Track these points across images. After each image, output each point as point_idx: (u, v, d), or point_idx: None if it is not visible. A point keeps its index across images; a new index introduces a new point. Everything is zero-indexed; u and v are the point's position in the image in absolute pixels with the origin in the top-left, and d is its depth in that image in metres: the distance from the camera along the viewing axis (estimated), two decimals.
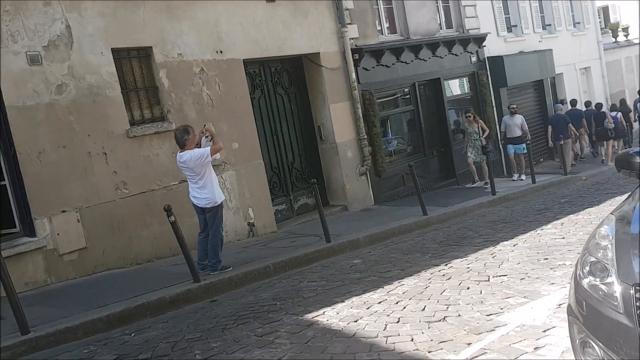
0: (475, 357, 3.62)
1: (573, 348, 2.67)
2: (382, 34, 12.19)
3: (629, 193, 3.22)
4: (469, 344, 3.86)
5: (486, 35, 14.53)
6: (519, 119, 13.35)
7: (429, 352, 3.83)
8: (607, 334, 2.31)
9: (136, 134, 7.60)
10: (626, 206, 2.95)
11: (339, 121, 10.58)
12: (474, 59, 14.38)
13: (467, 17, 14.35)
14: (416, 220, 9.26)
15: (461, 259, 6.49)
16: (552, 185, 12.61)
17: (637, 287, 2.29)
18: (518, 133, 13.22)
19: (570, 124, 14.82)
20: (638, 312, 2.25)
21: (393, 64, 11.84)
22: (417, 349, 3.90)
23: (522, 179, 13.19)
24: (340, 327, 4.59)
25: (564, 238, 6.91)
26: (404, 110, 12.39)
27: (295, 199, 10.40)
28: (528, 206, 10.23)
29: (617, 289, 2.38)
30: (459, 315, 4.51)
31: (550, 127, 15.04)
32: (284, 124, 10.31)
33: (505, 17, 16.05)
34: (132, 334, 5.11)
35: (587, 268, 2.61)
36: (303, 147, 10.63)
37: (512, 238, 7.33)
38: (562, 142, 13.88)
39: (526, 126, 13.45)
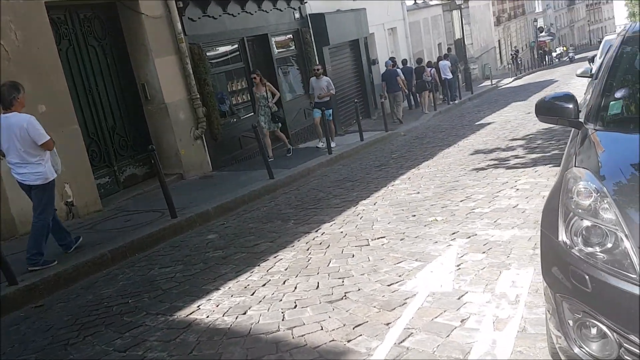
0: (403, 340, 3.22)
1: (563, 331, 2.30)
2: None
3: (578, 142, 2.97)
4: (388, 324, 3.45)
5: None
6: (324, 81, 12.21)
7: (348, 341, 3.33)
8: (625, 311, 2.02)
9: None
10: (586, 157, 2.66)
11: (167, 78, 9.34)
12: (297, 15, 14.01)
13: None
14: (264, 185, 8.69)
15: (329, 223, 6.12)
16: (377, 141, 13.05)
17: None
18: (326, 98, 12.17)
19: (400, 77, 16.53)
20: None
21: (220, 15, 10.83)
22: (333, 340, 3.37)
23: (332, 146, 11.44)
24: (229, 324, 3.84)
25: (419, 193, 6.98)
26: (235, 67, 11.50)
27: (121, 170, 9.01)
28: (365, 163, 10.35)
29: (636, 258, 2.04)
30: (359, 290, 4.09)
31: (383, 82, 16.63)
32: (100, 81, 8.75)
33: None
34: None
35: (581, 234, 2.24)
36: (125, 108, 9.19)
37: (369, 197, 7.20)
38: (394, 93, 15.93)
39: (333, 88, 12.40)
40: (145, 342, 3.76)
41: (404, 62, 18.80)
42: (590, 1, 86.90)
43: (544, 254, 2.51)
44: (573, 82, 21.26)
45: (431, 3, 26.22)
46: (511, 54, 38.80)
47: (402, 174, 8.47)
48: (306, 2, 14.35)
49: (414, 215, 5.90)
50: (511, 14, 42.86)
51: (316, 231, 5.88)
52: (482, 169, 7.87)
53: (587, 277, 2.16)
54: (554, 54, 48.56)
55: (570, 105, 3.11)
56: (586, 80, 11.72)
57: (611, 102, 3.05)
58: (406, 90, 17.51)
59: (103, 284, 5.27)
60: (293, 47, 14.06)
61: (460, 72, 23.27)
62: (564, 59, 43.25)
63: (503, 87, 26.61)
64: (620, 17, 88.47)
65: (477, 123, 13.82)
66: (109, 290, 5.04)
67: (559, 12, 71.09)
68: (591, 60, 14.98)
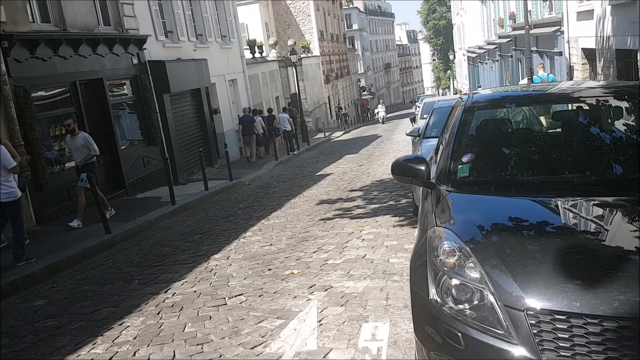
0: None
1: None
2: (35, 22, 10.09)
3: (434, 201, 3.20)
4: None
5: (147, 37, 13.86)
6: (81, 138, 8.99)
7: None
8: None
9: None
10: (444, 217, 2.88)
11: None
12: (135, 61, 13.50)
13: (125, 16, 13.33)
14: (100, 241, 7.97)
15: (180, 282, 5.78)
16: (222, 191, 12.89)
17: (530, 312, 2.13)
18: (79, 159, 8.98)
19: (257, 124, 18.78)
20: (536, 340, 2.08)
21: (50, 57, 9.95)
22: None
23: (78, 226, 8.81)
24: None
25: (272, 245, 6.97)
26: (65, 112, 10.54)
27: None
28: (211, 214, 10.11)
29: (502, 314, 2.17)
30: (221, 356, 3.87)
31: (240, 125, 18.86)
32: None
33: (162, 22, 15.64)
34: None
35: (450, 292, 2.34)
36: None
37: (221, 250, 7.00)
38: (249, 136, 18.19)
39: (94, 148, 9.03)
40: None
41: (270, 110, 21.64)
42: (403, 65, 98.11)
43: (416, 311, 2.60)
44: (394, 138, 23.55)
45: (268, 59, 27.23)
46: (336, 112, 41.34)
47: (252, 225, 8.42)
48: (145, 49, 13.92)
49: (270, 269, 5.85)
50: (338, 73, 46.33)
51: (166, 291, 5.50)
52: (329, 219, 8.17)
53: (459, 334, 2.25)
54: (376, 111, 53.16)
55: (422, 168, 3.38)
56: (408, 138, 13.04)
57: (459, 166, 3.39)
58: (267, 134, 19.75)
59: None
60: (131, 93, 13.44)
61: (298, 125, 24.33)
62: (376, 117, 46.31)
63: (335, 139, 28.37)
64: (427, 80, 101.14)
65: (317, 174, 14.42)
66: None
67: (378, 74, 78.82)
68: (413, 119, 16.63)
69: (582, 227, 2.68)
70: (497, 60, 28.21)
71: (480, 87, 30.00)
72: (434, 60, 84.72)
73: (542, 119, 4.02)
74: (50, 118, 10.35)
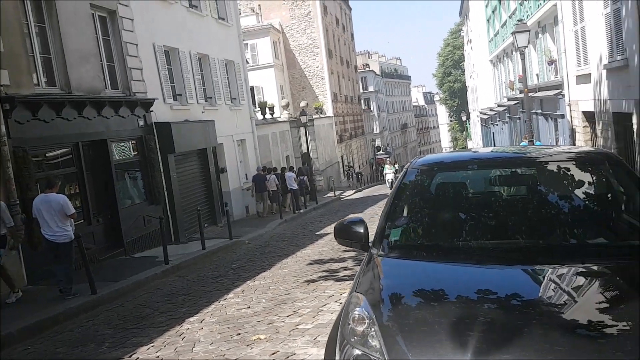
0: None
1: None
2: (40, 86, 10.57)
3: (364, 265, 3.18)
4: None
5: (154, 100, 14.35)
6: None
7: None
8: None
9: None
10: (367, 282, 2.87)
11: None
12: (141, 122, 13.93)
13: (133, 80, 13.89)
14: (84, 301, 7.97)
15: (147, 346, 5.70)
16: (220, 250, 12.90)
17: None
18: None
19: (270, 181, 19.61)
20: None
21: (53, 119, 10.34)
22: None
23: (17, 299, 8.10)
24: None
25: (249, 307, 6.88)
26: (66, 172, 10.85)
27: None
28: (202, 274, 10.08)
29: None
30: None
31: (254, 183, 19.81)
32: None
33: (171, 86, 16.25)
34: None
35: None
36: None
37: (198, 313, 6.93)
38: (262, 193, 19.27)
39: (8, 217, 8.02)
40: None
41: (274, 169, 22.09)
42: (420, 126, 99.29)
43: None
44: None
45: (279, 119, 27.87)
46: (345, 170, 41.39)
47: (237, 286, 8.35)
48: (152, 111, 14.39)
49: (239, 334, 5.75)
50: (352, 133, 47.06)
51: (130, 356, 5.43)
52: (314, 280, 8.07)
53: None
54: (384, 172, 53.24)
55: (361, 230, 3.37)
56: None
57: (393, 229, 3.37)
58: (279, 191, 20.31)
59: None
60: (135, 153, 13.78)
61: (307, 183, 24.59)
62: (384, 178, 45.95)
63: (345, 198, 28.41)
64: (445, 141, 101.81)
65: (317, 233, 14.37)
66: None
67: (394, 134, 79.81)
68: None
69: (495, 296, 2.61)
70: (507, 122, 28.40)
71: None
72: (450, 121, 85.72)
73: (483, 184, 3.98)
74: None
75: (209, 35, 19.09)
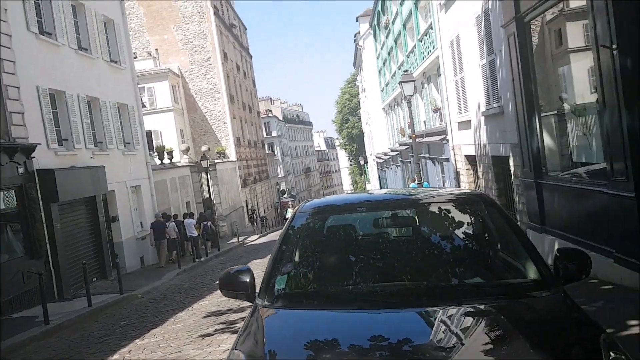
0: None
1: None
2: None
3: (248, 317, 3.00)
4: None
5: (36, 146, 13.37)
6: None
7: None
8: None
9: None
10: (249, 336, 2.70)
11: None
12: (21, 170, 12.88)
13: (13, 125, 12.90)
14: None
15: None
16: (109, 306, 12.03)
17: None
18: None
19: (170, 229, 19.17)
20: None
21: None
22: None
23: None
24: None
25: None
26: None
27: None
28: (87, 334, 9.30)
29: None
30: None
31: (152, 230, 19.02)
32: None
33: (56, 130, 15.27)
34: None
35: None
36: None
37: None
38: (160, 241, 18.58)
39: None
40: None
41: (175, 216, 21.53)
42: (323, 170, 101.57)
43: None
44: None
45: (179, 164, 27.13)
46: (248, 215, 40.97)
47: (123, 347, 7.74)
48: (34, 157, 13.39)
49: None
50: (256, 177, 46.95)
51: None
52: (209, 334, 7.69)
53: None
54: (287, 217, 53.66)
55: (247, 279, 3.19)
56: None
57: (279, 277, 3.25)
58: (179, 239, 19.74)
59: None
60: (14, 203, 12.65)
61: (209, 230, 23.91)
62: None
63: (249, 243, 27.94)
64: (346, 184, 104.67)
65: (216, 282, 13.84)
66: None
67: (298, 177, 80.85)
68: None
69: (387, 342, 2.57)
70: (400, 165, 29.81)
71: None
72: (350, 164, 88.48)
73: (371, 226, 4.01)
74: None
75: (99, 78, 18.33)
